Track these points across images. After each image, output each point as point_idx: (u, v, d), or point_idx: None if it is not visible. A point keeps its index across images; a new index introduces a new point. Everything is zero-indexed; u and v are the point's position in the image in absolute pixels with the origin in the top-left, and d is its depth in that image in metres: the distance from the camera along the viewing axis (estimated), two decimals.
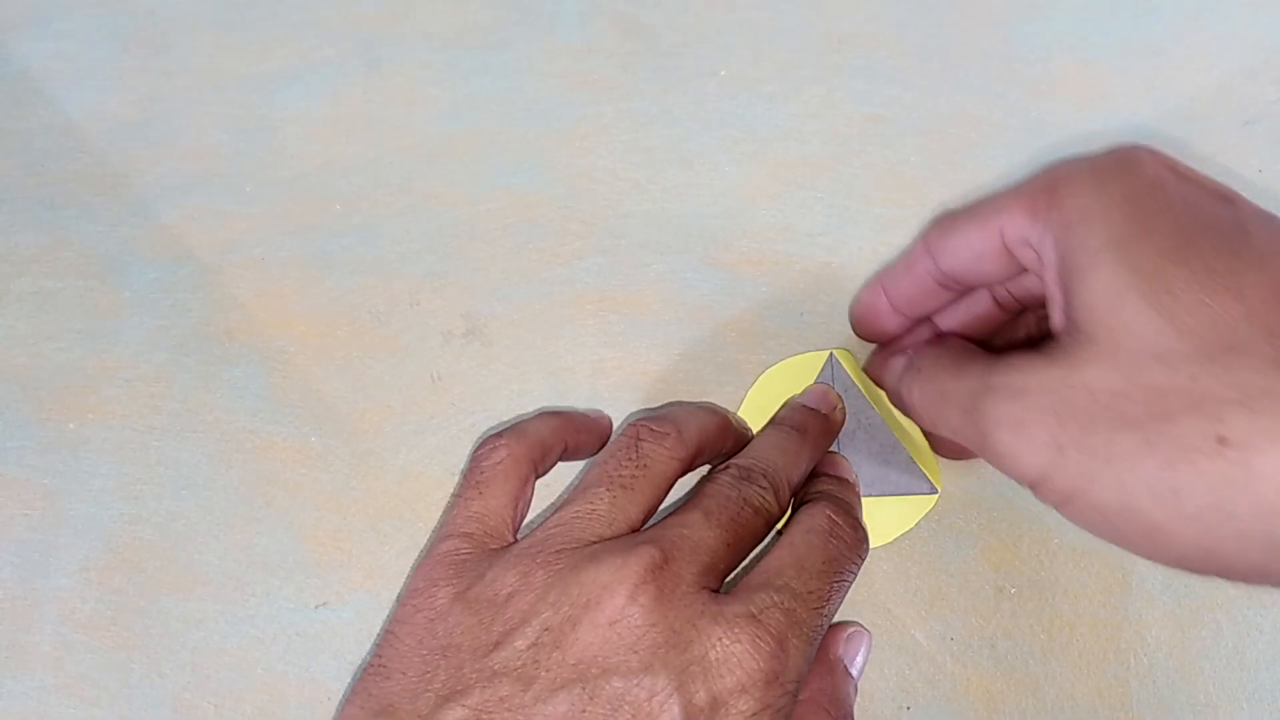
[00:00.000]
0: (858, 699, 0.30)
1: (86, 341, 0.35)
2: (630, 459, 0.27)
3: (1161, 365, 0.20)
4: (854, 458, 0.31)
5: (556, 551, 0.25)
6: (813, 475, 0.30)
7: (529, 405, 0.33)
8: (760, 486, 0.27)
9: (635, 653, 0.23)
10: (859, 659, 0.29)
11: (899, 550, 0.31)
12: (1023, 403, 0.22)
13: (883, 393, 0.31)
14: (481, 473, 0.28)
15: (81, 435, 0.34)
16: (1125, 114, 0.35)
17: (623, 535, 0.26)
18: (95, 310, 0.35)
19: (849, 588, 0.27)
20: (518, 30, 0.38)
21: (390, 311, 0.34)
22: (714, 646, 0.23)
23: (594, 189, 0.35)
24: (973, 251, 0.26)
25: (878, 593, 0.31)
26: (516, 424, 0.29)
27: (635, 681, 0.22)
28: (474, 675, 0.23)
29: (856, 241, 0.34)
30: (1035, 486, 0.22)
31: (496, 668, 0.23)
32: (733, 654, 0.23)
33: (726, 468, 0.28)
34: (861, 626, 0.30)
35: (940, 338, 0.30)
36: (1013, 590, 0.31)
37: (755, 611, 0.24)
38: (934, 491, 0.31)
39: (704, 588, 0.24)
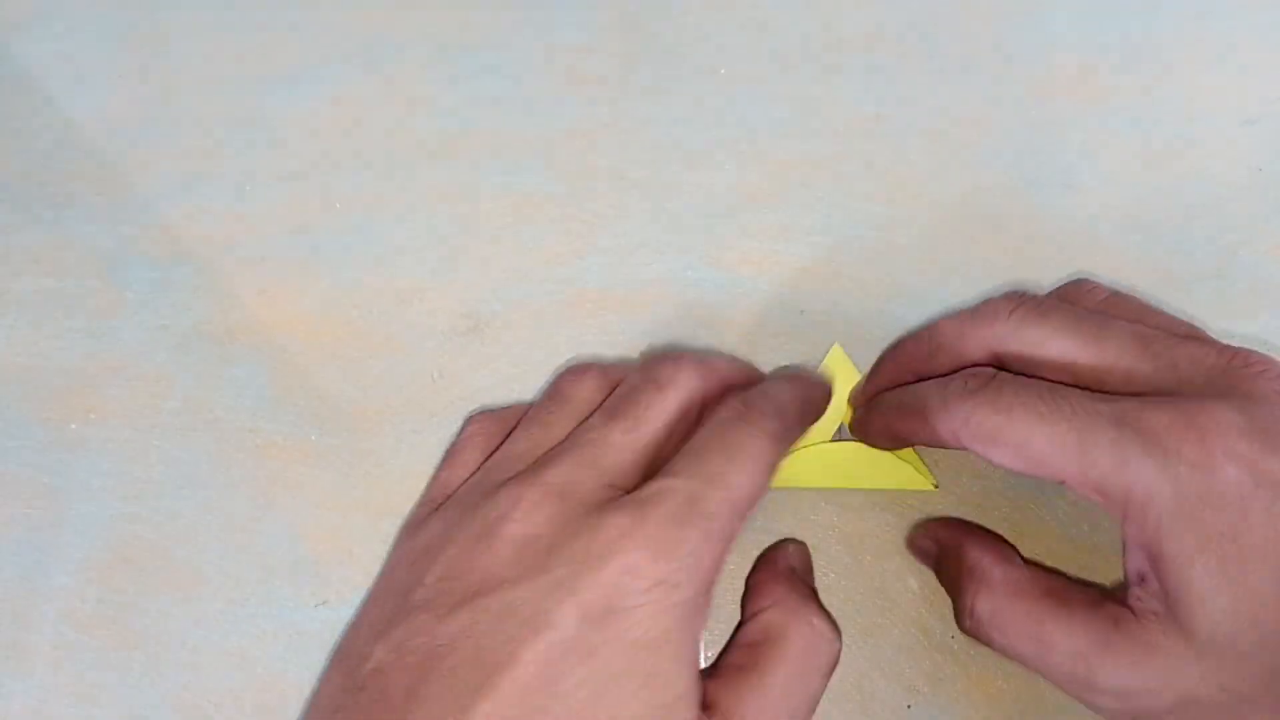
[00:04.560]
0: (857, 696, 0.30)
1: (86, 341, 0.35)
2: (549, 398, 0.29)
3: None
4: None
5: (472, 495, 0.26)
6: None
7: None
8: (663, 369, 0.27)
9: (523, 564, 0.23)
10: (809, 571, 0.30)
11: (901, 549, 0.31)
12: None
13: None
14: (454, 443, 0.30)
15: (81, 435, 0.34)
16: (1125, 114, 0.35)
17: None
18: (95, 310, 0.35)
19: (763, 466, 0.25)
20: (518, 30, 0.38)
21: (391, 310, 0.34)
22: (597, 538, 0.23)
23: (594, 188, 0.35)
24: (1013, 469, 0.25)
25: (879, 591, 0.31)
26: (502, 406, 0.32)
27: (522, 588, 0.23)
28: (398, 613, 0.24)
29: (856, 241, 0.34)
30: None
31: (414, 602, 0.24)
32: (615, 539, 0.23)
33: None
34: (802, 545, 0.30)
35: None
36: None
37: (643, 497, 0.24)
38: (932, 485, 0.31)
39: (607, 491, 0.24)
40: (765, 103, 0.36)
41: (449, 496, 0.28)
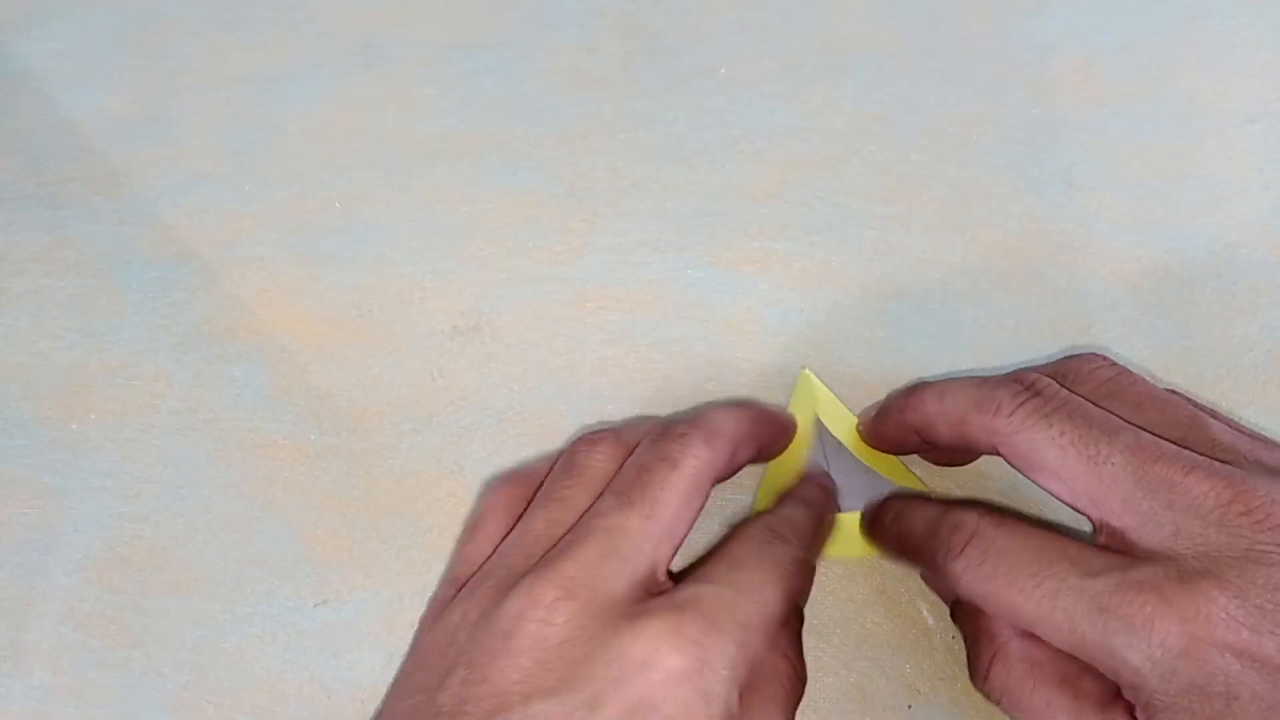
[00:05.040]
0: (858, 697, 0.30)
1: (86, 341, 0.35)
2: (563, 471, 0.28)
3: None
4: (839, 469, 0.31)
5: (490, 585, 0.25)
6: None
7: (530, 403, 0.33)
8: (672, 446, 0.26)
9: (552, 672, 0.22)
10: (806, 594, 0.29)
11: None
12: None
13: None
14: (474, 515, 0.29)
15: (81, 435, 0.34)
16: (1125, 114, 0.35)
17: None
18: (95, 310, 0.35)
19: (792, 589, 0.25)
20: (518, 30, 0.38)
21: (391, 310, 0.34)
22: (633, 645, 0.22)
23: (594, 187, 0.35)
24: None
25: (880, 591, 0.31)
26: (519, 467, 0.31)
27: (555, 702, 0.22)
28: (425, 717, 0.24)
29: (857, 241, 0.34)
30: None
31: (438, 707, 0.23)
32: (653, 648, 0.22)
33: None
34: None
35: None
36: None
37: (679, 602, 0.23)
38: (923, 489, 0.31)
39: (635, 590, 0.24)
40: (765, 103, 0.36)
41: (472, 576, 0.27)
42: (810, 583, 0.28)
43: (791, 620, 0.26)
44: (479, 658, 0.23)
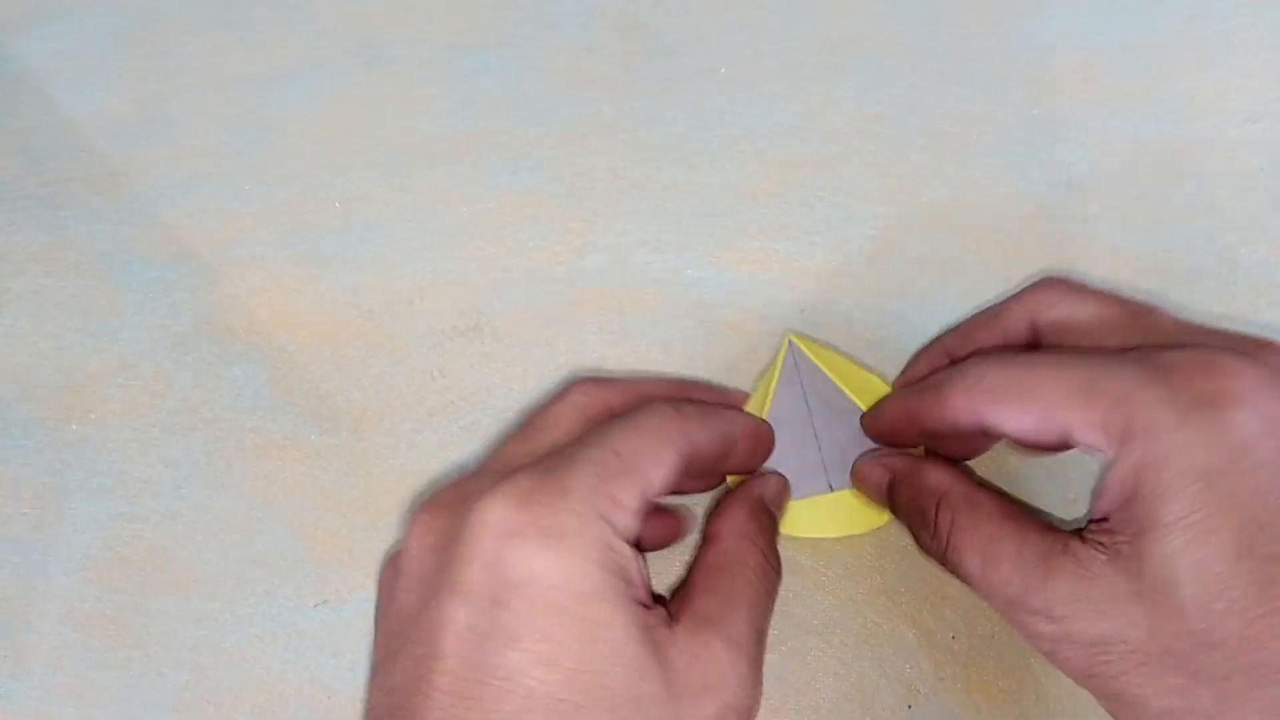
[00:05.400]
0: (858, 697, 0.30)
1: (86, 341, 0.35)
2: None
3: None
4: (831, 444, 0.31)
5: None
6: None
7: (530, 403, 0.33)
8: (564, 386, 0.28)
9: (427, 580, 0.23)
10: (780, 503, 0.29)
11: (901, 547, 0.31)
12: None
13: (850, 372, 0.31)
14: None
15: (81, 435, 0.34)
16: (1125, 114, 0.35)
17: None
18: (95, 310, 0.35)
19: (658, 435, 0.25)
20: (518, 30, 0.38)
21: (391, 310, 0.34)
22: (473, 517, 0.23)
23: (594, 187, 0.35)
24: (1023, 429, 0.24)
25: (880, 591, 0.31)
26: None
27: (434, 603, 0.23)
28: (373, 665, 0.25)
29: (856, 241, 0.34)
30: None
31: (374, 661, 0.25)
32: (486, 506, 0.23)
33: None
34: (782, 477, 0.30)
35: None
36: None
37: (517, 470, 0.24)
38: None
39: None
40: (765, 103, 0.36)
41: None
42: (761, 445, 0.29)
43: (761, 514, 0.27)
44: (387, 598, 0.25)
